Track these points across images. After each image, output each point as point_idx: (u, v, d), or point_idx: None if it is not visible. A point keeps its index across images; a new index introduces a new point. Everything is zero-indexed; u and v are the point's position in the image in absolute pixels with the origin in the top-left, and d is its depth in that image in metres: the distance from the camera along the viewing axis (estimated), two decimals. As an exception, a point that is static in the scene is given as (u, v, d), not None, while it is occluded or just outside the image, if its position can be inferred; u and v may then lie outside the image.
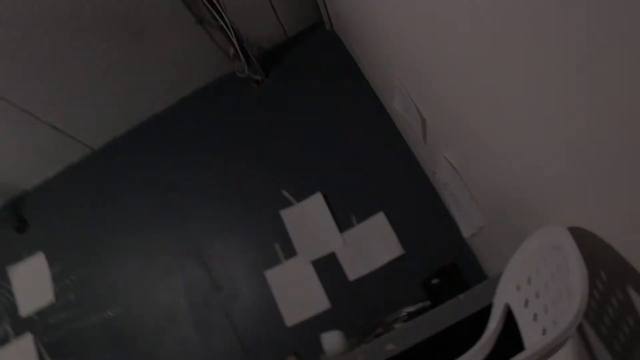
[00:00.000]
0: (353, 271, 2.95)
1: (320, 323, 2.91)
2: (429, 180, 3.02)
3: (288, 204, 3.12)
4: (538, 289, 1.49)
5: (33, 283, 3.35)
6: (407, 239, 2.96)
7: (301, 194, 3.12)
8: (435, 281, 2.11)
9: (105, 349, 3.09)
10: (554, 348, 1.10)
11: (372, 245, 2.97)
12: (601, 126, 1.05)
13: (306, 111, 3.32)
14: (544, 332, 1.48)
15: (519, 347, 1.64)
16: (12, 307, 3.33)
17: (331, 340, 2.46)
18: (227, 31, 3.01)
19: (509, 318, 1.63)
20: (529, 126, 1.42)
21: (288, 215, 3.09)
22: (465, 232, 2.65)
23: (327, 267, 2.99)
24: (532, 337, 1.52)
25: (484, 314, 2.72)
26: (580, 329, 1.53)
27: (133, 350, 3.07)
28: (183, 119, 3.51)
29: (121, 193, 3.42)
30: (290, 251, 3.05)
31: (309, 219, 3.06)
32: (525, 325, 1.55)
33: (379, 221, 3.00)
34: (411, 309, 2.31)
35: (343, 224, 3.04)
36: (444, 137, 2.23)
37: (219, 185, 3.26)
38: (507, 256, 2.22)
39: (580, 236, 1.29)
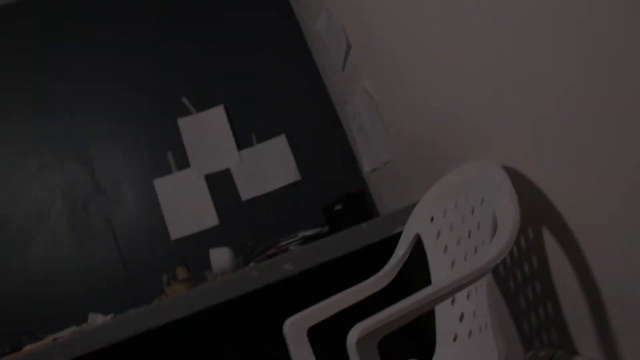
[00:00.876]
0: (247, 191, 2.89)
1: (207, 239, 2.83)
2: (336, 110, 2.99)
3: (187, 112, 2.95)
4: (453, 221, 1.51)
5: None
6: (306, 166, 2.94)
7: (202, 105, 2.97)
8: (337, 207, 2.10)
9: (-37, 242, 2.81)
10: (474, 278, 1.11)
11: (270, 167, 2.91)
12: (535, 58, 1.05)
13: (219, 17, 3.12)
14: (453, 264, 1.52)
15: (424, 278, 1.68)
16: None
17: (219, 256, 2.40)
18: None
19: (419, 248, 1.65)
20: (457, 52, 1.41)
21: (186, 125, 2.93)
22: (367, 165, 2.67)
23: (220, 184, 2.90)
24: (440, 268, 1.56)
25: (387, 244, 2.78)
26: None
27: (-4, 246, 2.82)
28: None
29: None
30: (183, 162, 2.91)
31: (208, 132, 2.93)
32: (434, 255, 1.58)
33: (280, 144, 2.94)
34: (308, 232, 2.30)
35: (242, 142, 2.95)
36: (366, 65, 2.19)
37: (115, 81, 3.00)
38: (412, 192, 2.27)
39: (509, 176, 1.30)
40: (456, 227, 1.49)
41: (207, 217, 2.86)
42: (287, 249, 2.33)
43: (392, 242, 2.70)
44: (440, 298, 1.09)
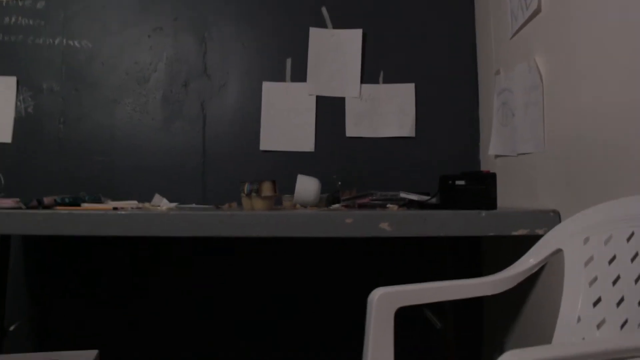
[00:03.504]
0: (354, 128, 2.65)
1: (295, 163, 2.63)
2: (477, 77, 2.67)
3: (322, 24, 2.69)
4: (618, 254, 1.22)
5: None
6: (423, 124, 2.66)
7: (340, 23, 2.70)
8: (460, 182, 1.83)
9: (55, 76, 2.67)
10: None
11: (387, 112, 2.65)
12: None
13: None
14: (598, 302, 1.24)
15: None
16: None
17: (307, 185, 2.18)
18: None
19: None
20: None
21: (316, 36, 2.67)
22: (494, 149, 2.37)
23: (330, 110, 2.67)
24: (576, 299, 1.28)
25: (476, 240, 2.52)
26: None
27: (86, 90, 2.67)
28: None
29: None
30: (300, 74, 2.68)
31: (337, 52, 2.66)
32: (573, 282, 1.30)
33: (406, 92, 2.66)
34: (411, 196, 2.04)
35: (368, 76, 2.68)
36: (548, 38, 1.86)
37: (257, -34, 2.76)
38: (541, 197, 1.97)
39: None
40: (620, 263, 1.20)
41: (304, 140, 2.64)
42: (383, 206, 2.09)
43: (488, 240, 2.43)
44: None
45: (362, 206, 2.14)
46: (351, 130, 2.63)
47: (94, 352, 2.01)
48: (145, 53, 2.72)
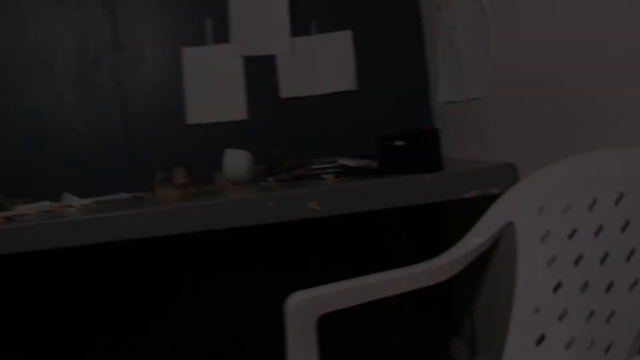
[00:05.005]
0: (289, 87, 2.36)
1: (228, 134, 2.35)
2: (420, 16, 2.38)
3: (240, -24, 2.37)
4: (579, 227, 0.98)
5: None
6: (366, 75, 2.38)
7: (260, -30, 2.38)
8: (399, 143, 1.57)
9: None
10: None
11: (324, 65, 2.36)
12: None
13: None
14: (558, 287, 1.00)
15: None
16: None
17: (235, 160, 1.92)
18: None
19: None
20: None
21: (235, -9, 2.36)
22: (443, 95, 2.11)
23: (260, 71, 2.37)
24: (532, 284, 1.04)
25: (437, 206, 2.28)
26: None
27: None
28: None
29: None
30: (222, 35, 2.37)
31: (261, 5, 2.35)
32: (529, 263, 1.05)
33: (342, 40, 2.37)
34: (349, 162, 1.79)
35: (298, 28, 2.37)
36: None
37: None
38: (496, 149, 1.73)
39: None
40: (583, 237, 0.96)
41: (235, 108, 2.35)
42: (318, 176, 1.83)
43: (445, 205, 2.19)
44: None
45: (297, 178, 1.88)
46: (286, 91, 2.35)
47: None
48: (47, 30, 2.39)
